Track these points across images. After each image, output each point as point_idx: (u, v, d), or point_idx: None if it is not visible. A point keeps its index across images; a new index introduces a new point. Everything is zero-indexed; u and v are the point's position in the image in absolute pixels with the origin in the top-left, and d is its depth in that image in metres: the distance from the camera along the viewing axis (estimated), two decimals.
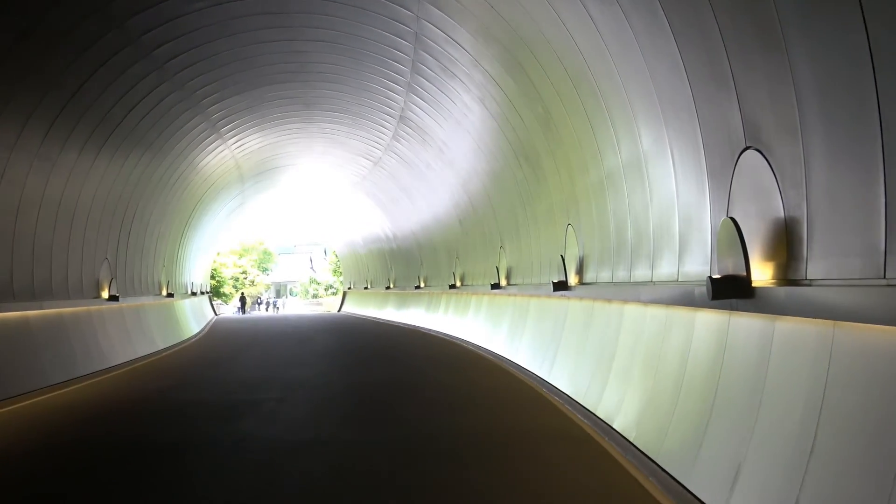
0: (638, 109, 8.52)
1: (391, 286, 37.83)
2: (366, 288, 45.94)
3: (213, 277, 65.74)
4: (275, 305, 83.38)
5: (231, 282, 79.89)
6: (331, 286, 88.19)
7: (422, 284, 30.87)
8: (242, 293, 68.90)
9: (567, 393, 11.17)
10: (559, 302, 13.20)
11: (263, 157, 26.83)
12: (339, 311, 53.95)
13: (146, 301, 21.67)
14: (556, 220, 13.62)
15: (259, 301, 79.07)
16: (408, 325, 30.97)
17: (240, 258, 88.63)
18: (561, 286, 12.42)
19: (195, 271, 34.35)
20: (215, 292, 67.02)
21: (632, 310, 9.24)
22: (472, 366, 16.27)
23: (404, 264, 35.13)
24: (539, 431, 9.38)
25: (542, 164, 13.92)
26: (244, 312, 64.23)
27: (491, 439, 8.92)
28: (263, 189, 33.98)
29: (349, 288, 53.87)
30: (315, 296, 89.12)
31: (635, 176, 9.08)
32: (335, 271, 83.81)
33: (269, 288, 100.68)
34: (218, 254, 72.10)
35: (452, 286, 24.46)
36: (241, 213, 38.43)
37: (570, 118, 11.30)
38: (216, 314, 44.83)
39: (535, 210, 15.12)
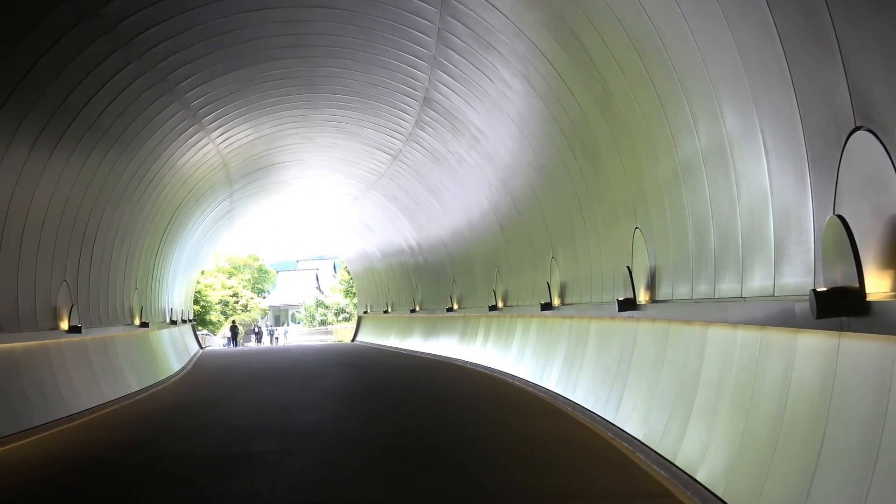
0: (720, 82, 8.58)
1: (417, 309, 38.54)
2: (386, 312, 46.70)
3: (196, 302, 66.72)
4: (273, 335, 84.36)
5: (219, 307, 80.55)
6: (342, 310, 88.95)
7: (455, 306, 31.31)
8: (233, 321, 69.67)
9: (638, 438, 11.27)
10: (626, 325, 13.37)
11: (255, 152, 27.22)
12: (353, 340, 55.26)
13: (115, 332, 22.03)
14: (620, 223, 13.84)
15: (255, 330, 79.95)
16: (439, 356, 31.44)
17: (229, 278, 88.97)
18: (628, 305, 12.61)
19: (175, 295, 34.96)
20: (200, 320, 67.98)
21: (717, 333, 9.31)
22: (521, 408, 16.48)
23: (433, 281, 35.58)
24: (607, 488, 9.46)
25: (601, 154, 14.12)
26: (236, 344, 64.96)
27: (550, 500, 8.93)
28: (256, 192, 34.52)
29: (365, 312, 54.80)
30: (323, 322, 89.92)
31: (718, 165, 9.15)
32: (347, 292, 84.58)
33: (266, 314, 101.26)
34: (202, 273, 72.56)
35: (493, 308, 24.74)
36: (229, 222, 38.96)
37: (635, 96, 11.43)
38: (201, 347, 46.01)
39: (595, 211, 15.38)
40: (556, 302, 18.37)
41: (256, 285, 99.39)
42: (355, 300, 72.54)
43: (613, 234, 14.32)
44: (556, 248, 18.59)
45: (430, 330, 35.24)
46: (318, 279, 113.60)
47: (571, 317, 17.16)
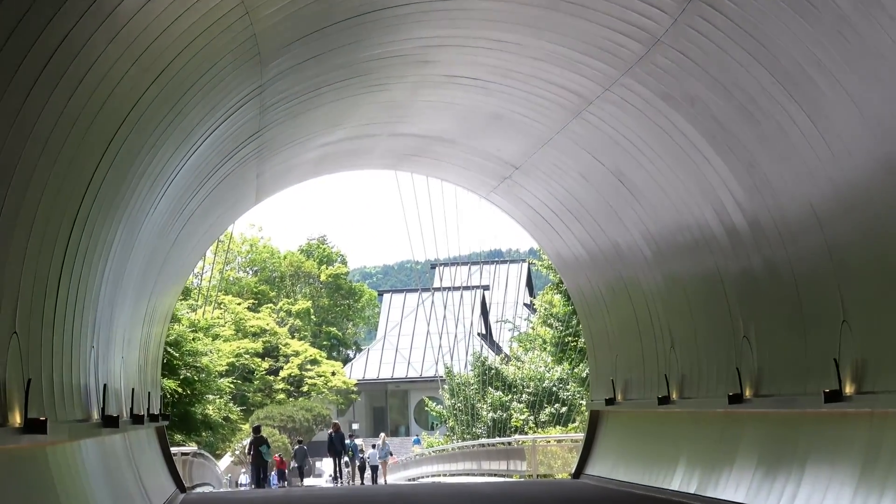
0: None
1: (746, 394, 24.52)
2: (664, 400, 29.84)
3: (172, 370, 37.79)
4: (360, 455, 49.41)
5: (229, 385, 48.97)
6: (552, 395, 54.75)
7: (847, 388, 20.11)
8: (257, 427, 44.18)
9: None
10: None
11: None
12: (577, 475, 35.12)
13: None
14: None
15: (332, 441, 44.49)
16: None
17: (255, 308, 64.02)
18: None
19: (114, 351, 22.83)
20: (180, 416, 39.68)
21: None
22: None
23: (790, 321, 22.51)
24: None
25: None
26: (262, 481, 41.03)
27: None
28: (325, 84, 21.70)
29: (609, 400, 34.99)
30: (501, 426, 55.99)
31: None
32: (565, 350, 50.97)
33: (350, 402, 66.58)
34: (185, 297, 41.85)
35: None
36: (256, 161, 24.67)
37: None
38: (183, 488, 30.40)
39: None
40: None
41: (328, 329, 70.47)
42: (583, 368, 43.52)
43: None
44: None
45: (779, 450, 22.29)
46: (485, 312, 71.05)
47: None
